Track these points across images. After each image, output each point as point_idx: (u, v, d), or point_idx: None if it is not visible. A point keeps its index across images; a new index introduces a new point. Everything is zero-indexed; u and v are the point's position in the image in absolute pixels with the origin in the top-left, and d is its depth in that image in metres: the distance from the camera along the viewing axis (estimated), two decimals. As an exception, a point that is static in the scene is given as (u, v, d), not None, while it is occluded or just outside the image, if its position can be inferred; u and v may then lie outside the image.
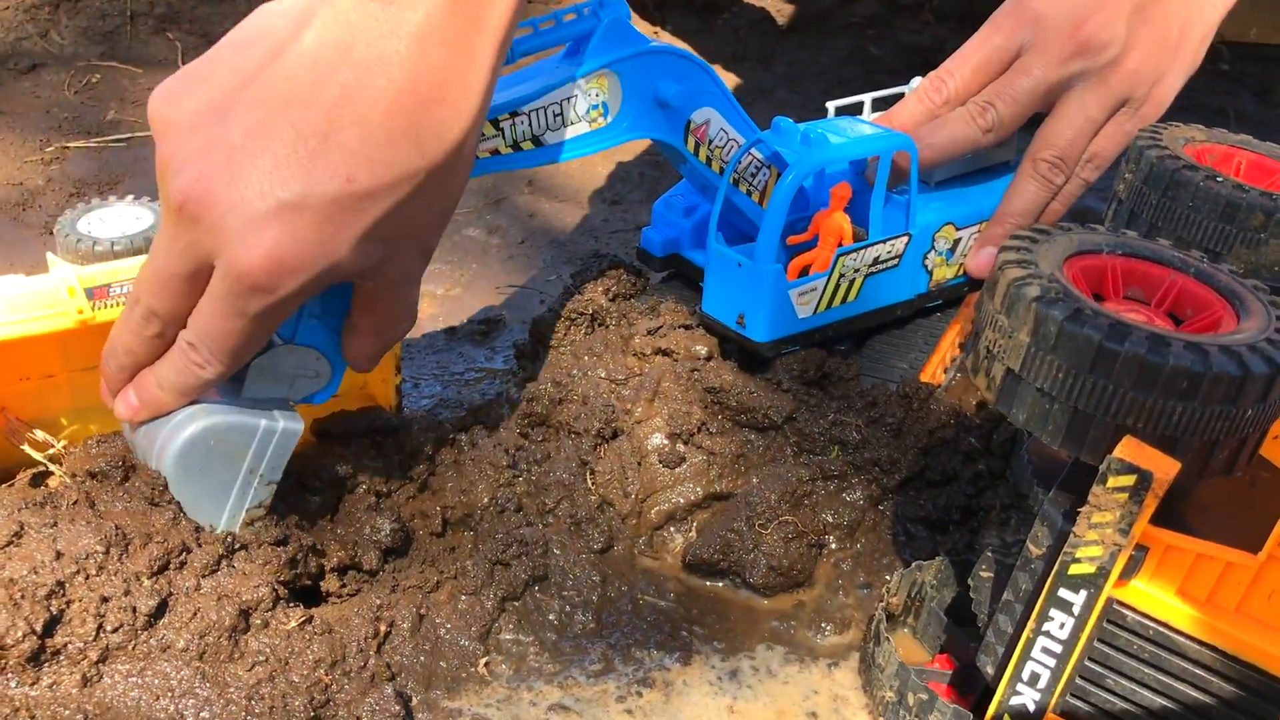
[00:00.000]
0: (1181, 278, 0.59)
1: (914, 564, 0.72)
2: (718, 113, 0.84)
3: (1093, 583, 0.53)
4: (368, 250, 0.59)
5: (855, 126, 0.87)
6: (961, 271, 0.92)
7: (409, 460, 0.79)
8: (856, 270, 0.84)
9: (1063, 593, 0.54)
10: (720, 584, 0.78)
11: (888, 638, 0.67)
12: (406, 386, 0.97)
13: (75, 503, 0.65)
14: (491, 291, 1.16)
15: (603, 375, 0.85)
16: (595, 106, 0.78)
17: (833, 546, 0.81)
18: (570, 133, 0.78)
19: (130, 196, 0.80)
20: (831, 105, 0.95)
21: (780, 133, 0.83)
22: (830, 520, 0.81)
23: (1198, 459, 0.53)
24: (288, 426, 0.67)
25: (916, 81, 0.96)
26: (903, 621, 0.73)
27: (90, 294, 0.70)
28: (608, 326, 0.91)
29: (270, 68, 0.57)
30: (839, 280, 0.83)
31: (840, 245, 0.83)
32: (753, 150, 0.85)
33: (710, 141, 0.85)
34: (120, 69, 1.64)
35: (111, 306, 0.70)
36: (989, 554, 0.67)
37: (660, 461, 0.82)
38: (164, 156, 0.58)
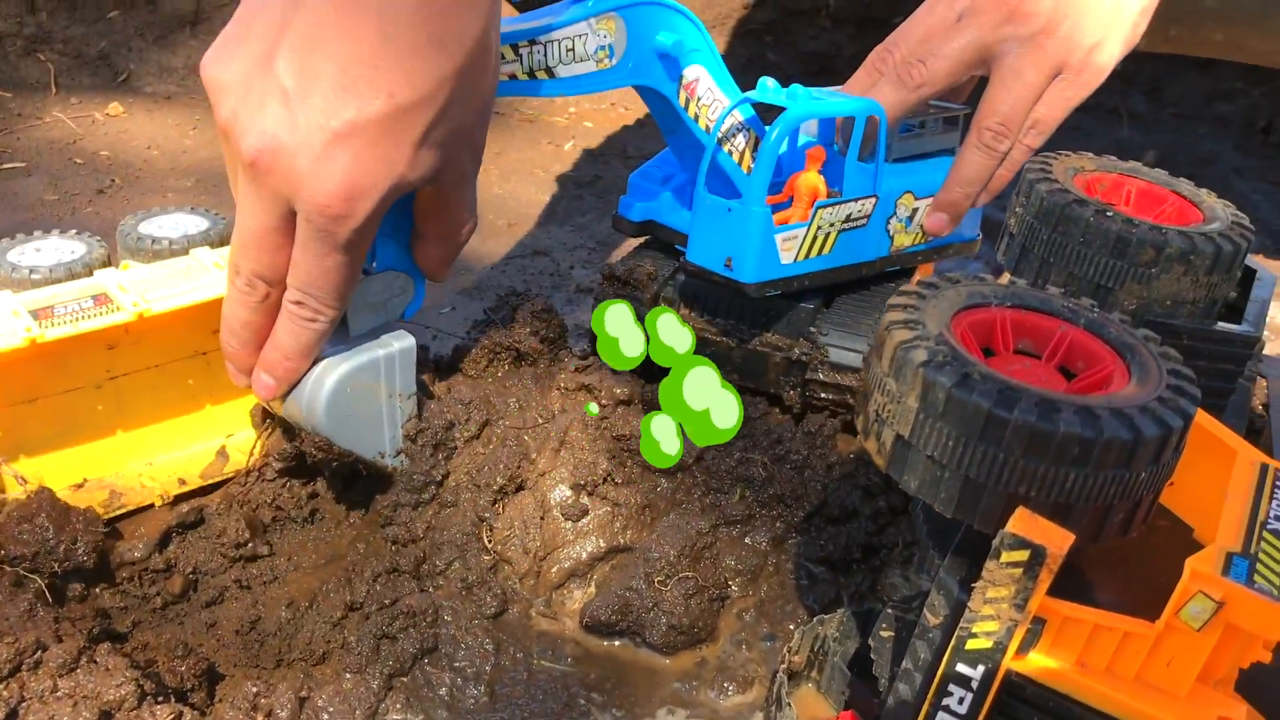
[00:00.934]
0: (1072, 329, 0.58)
1: (816, 618, 0.70)
2: (706, 71, 0.86)
3: (990, 657, 0.52)
4: (424, 158, 0.64)
5: (829, 94, 0.90)
6: (919, 240, 0.94)
7: (271, 525, 0.75)
8: (831, 224, 0.86)
9: (960, 667, 0.53)
10: (619, 643, 0.75)
11: (789, 703, 0.65)
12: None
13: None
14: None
15: (509, 424, 0.82)
16: (603, 48, 0.81)
17: (735, 595, 0.79)
18: (579, 69, 0.81)
19: (57, 231, 0.84)
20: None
21: (764, 91, 0.86)
22: (733, 566, 0.80)
23: (1092, 524, 0.52)
24: (403, 346, 0.74)
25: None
26: (806, 676, 0.71)
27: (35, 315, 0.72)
28: (536, 365, 0.88)
29: (298, 13, 0.61)
30: (816, 231, 0.85)
31: (816, 201, 0.85)
32: (735, 111, 0.87)
33: (699, 99, 0.87)
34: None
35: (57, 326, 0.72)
36: (889, 611, 0.65)
37: (563, 515, 0.79)
38: (225, 120, 0.63)
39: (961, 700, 0.53)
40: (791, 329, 0.88)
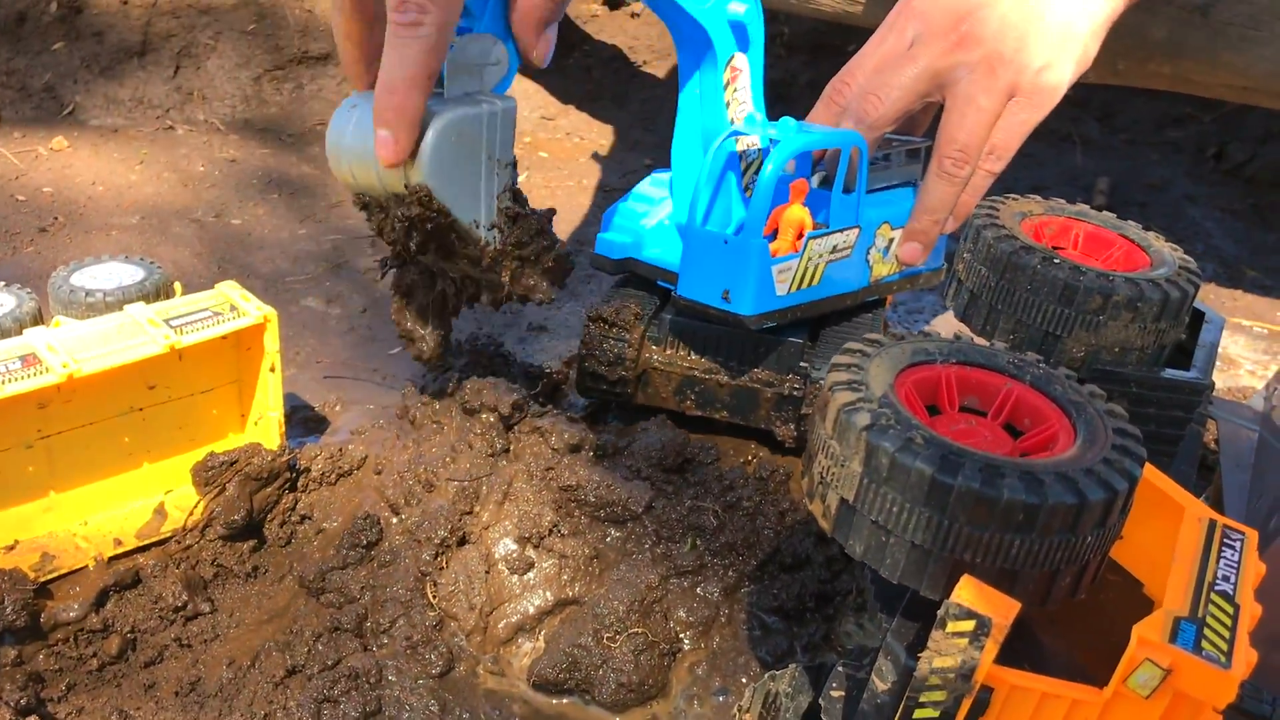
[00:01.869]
0: (1018, 386, 0.57)
1: (768, 674, 0.69)
2: (750, 71, 0.88)
3: (938, 727, 0.51)
4: None
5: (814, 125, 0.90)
6: (894, 270, 0.94)
7: (213, 581, 0.74)
8: (820, 255, 0.86)
9: (909, 737, 0.52)
10: (568, 701, 0.74)
11: (739, 766, 0.64)
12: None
13: None
14: (327, 370, 1.10)
15: (449, 477, 0.80)
16: None
17: (686, 648, 0.78)
18: None
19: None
20: None
21: (757, 124, 0.87)
22: (684, 618, 0.78)
23: (1040, 589, 0.51)
24: (505, 105, 0.73)
25: None
26: (759, 732, 0.70)
27: None
28: (481, 415, 0.86)
29: None
30: (807, 263, 0.85)
31: (802, 234, 0.85)
32: (752, 137, 0.87)
33: (736, 89, 0.87)
34: None
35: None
36: (839, 670, 0.64)
37: (509, 569, 0.78)
38: None
39: (911, 770, 0.52)
40: (781, 364, 0.88)
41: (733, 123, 0.89)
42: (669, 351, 0.89)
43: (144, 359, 0.74)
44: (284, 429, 0.86)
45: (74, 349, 0.73)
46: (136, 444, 0.82)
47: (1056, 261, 0.71)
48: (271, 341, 0.83)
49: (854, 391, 0.54)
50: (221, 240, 1.33)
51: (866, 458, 0.51)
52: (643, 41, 2.01)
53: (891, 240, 0.92)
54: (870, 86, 0.88)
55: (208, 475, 0.83)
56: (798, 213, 0.85)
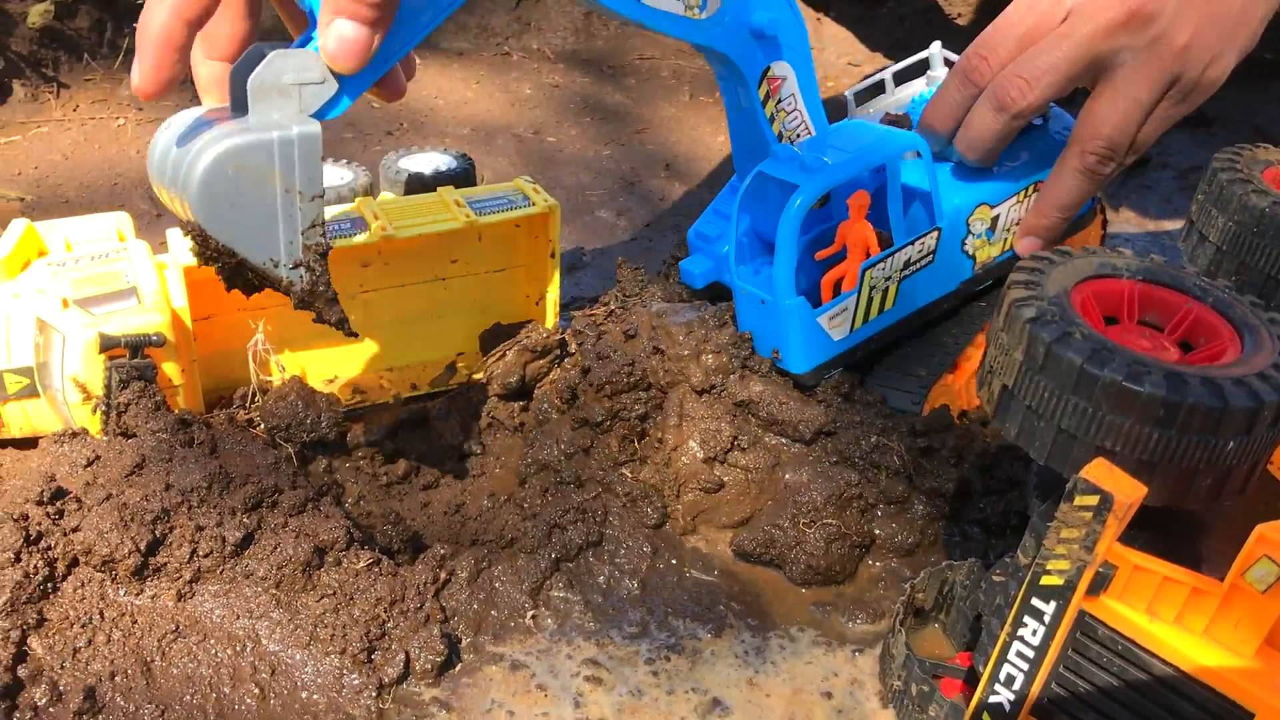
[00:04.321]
0: (1198, 306, 0.60)
1: (945, 563, 0.75)
2: (795, 76, 0.82)
3: (1061, 594, 0.56)
4: None
5: (860, 136, 0.85)
6: (1008, 248, 0.90)
7: (486, 430, 0.86)
8: (888, 279, 0.83)
9: (1035, 601, 0.57)
10: (761, 570, 0.82)
11: (901, 630, 0.71)
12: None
13: (199, 442, 0.75)
14: (609, 271, 1.23)
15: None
16: None
17: (879, 543, 0.83)
18: (667, 5, 0.75)
19: (331, 160, 0.98)
20: (850, 92, 0.94)
21: (780, 161, 0.82)
22: (880, 515, 0.83)
23: (1178, 486, 0.55)
24: (304, 131, 0.63)
25: (937, 47, 0.92)
26: (934, 618, 0.76)
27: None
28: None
29: None
30: (869, 294, 0.82)
31: (868, 255, 0.82)
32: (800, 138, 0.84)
33: (780, 100, 0.83)
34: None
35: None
36: (1006, 559, 0.69)
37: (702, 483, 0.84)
38: None
39: (1035, 632, 0.58)
40: None
41: (780, 137, 0.83)
42: None
43: (447, 232, 0.88)
44: (559, 311, 0.99)
45: (392, 218, 0.88)
46: (437, 308, 0.96)
47: (1284, 205, 0.72)
48: (554, 230, 0.95)
49: (1028, 290, 0.59)
50: (536, 154, 1.49)
51: (1027, 347, 0.56)
52: (959, -6, 2.02)
53: (996, 218, 0.85)
54: (1016, 67, 0.79)
55: (492, 343, 0.97)
56: (861, 231, 0.80)
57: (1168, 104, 0.78)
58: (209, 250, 0.64)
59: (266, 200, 0.63)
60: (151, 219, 1.25)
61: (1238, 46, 0.77)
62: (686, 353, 0.85)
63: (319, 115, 0.64)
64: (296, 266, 0.65)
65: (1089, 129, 0.79)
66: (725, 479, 0.84)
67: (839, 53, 1.87)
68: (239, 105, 0.63)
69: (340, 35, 0.60)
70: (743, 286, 0.82)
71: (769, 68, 0.81)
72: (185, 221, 0.64)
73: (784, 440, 0.85)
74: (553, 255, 0.97)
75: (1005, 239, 0.89)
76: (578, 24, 1.88)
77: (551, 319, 0.99)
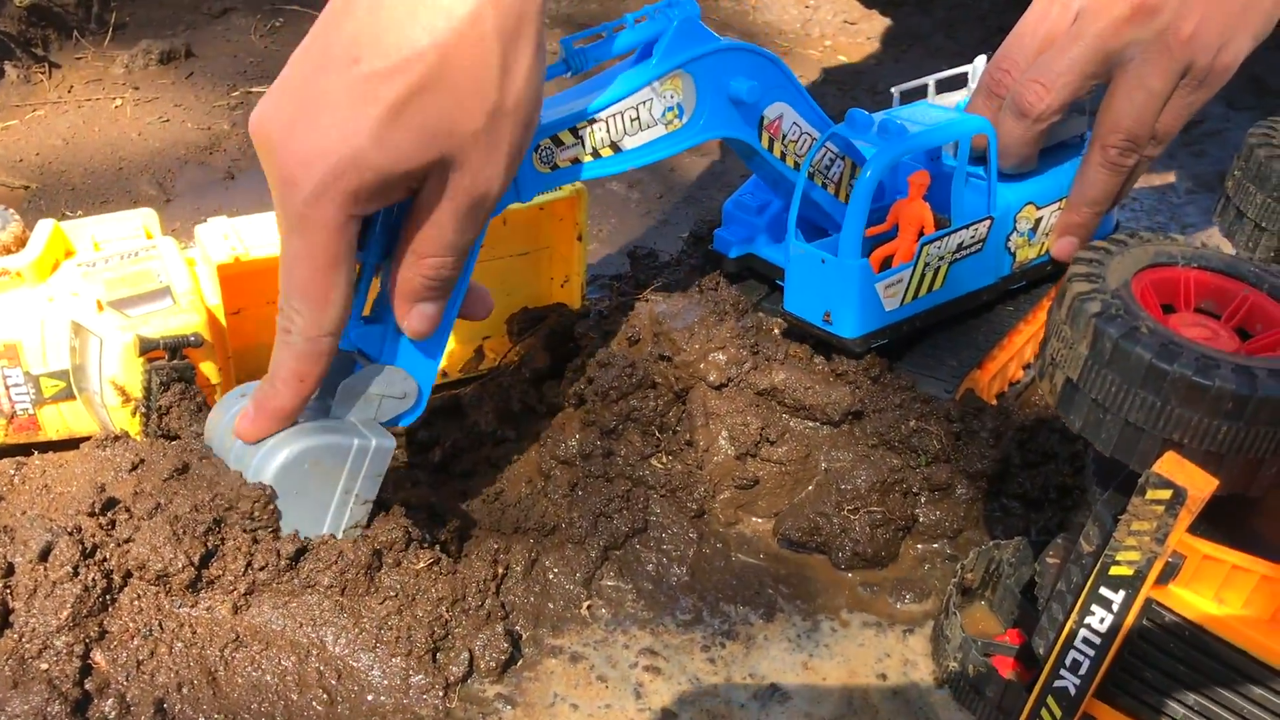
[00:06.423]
0: (1255, 294, 0.61)
1: (992, 543, 0.76)
2: (790, 107, 0.84)
3: (1130, 584, 0.57)
4: (393, 141, 0.58)
5: (929, 113, 0.86)
6: (1044, 251, 0.91)
7: (519, 414, 0.87)
8: (941, 258, 0.84)
9: (1103, 590, 0.58)
10: (806, 555, 0.83)
11: (955, 612, 0.72)
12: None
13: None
14: (622, 245, 1.22)
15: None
16: (671, 109, 0.77)
17: (922, 522, 0.84)
18: (647, 136, 0.77)
19: None
20: (896, 90, 0.96)
21: (855, 125, 0.82)
22: (922, 498, 0.84)
23: (1244, 474, 0.56)
24: (380, 444, 0.69)
25: (981, 61, 0.94)
26: (981, 595, 0.78)
27: None
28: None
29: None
30: (924, 270, 0.83)
31: (922, 234, 0.83)
32: (828, 143, 0.85)
33: (784, 136, 0.84)
34: (305, 13, 1.75)
35: None
36: (1059, 541, 0.70)
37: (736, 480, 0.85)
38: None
39: (1103, 620, 0.59)
40: None
41: (795, 167, 0.84)
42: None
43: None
44: (585, 292, 0.99)
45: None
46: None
47: (1325, 182, 0.73)
48: (580, 214, 0.95)
49: (1090, 283, 0.59)
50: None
51: (1093, 341, 0.57)
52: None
53: (1039, 220, 0.87)
54: (1032, 73, 0.81)
55: (520, 326, 0.97)
56: (918, 211, 0.81)
57: (1184, 92, 0.80)
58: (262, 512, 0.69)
59: (325, 495, 0.69)
60: (161, 204, 1.24)
61: (1250, 31, 0.79)
62: (693, 357, 0.86)
63: (391, 423, 0.72)
64: None
65: (1108, 123, 0.82)
66: (760, 474, 0.84)
67: (834, 11, 1.86)
68: (324, 398, 0.69)
69: (423, 314, 0.68)
70: (802, 247, 0.82)
71: (763, 116, 0.83)
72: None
73: (812, 424, 0.85)
74: (580, 239, 0.96)
75: (1043, 243, 0.91)
76: (569, -14, 1.86)
77: (578, 300, 0.99)
